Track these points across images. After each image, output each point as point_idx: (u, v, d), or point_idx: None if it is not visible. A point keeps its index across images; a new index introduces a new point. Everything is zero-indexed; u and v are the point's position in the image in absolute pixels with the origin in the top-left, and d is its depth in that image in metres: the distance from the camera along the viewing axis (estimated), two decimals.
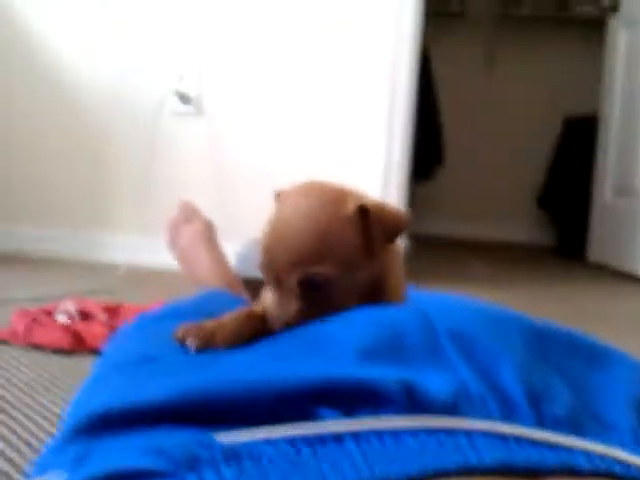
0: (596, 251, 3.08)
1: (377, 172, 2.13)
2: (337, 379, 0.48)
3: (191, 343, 0.61)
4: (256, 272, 1.76)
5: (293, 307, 0.64)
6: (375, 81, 2.13)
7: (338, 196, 0.66)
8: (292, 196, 0.67)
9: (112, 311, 1.35)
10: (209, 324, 0.64)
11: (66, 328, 1.20)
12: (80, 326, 1.22)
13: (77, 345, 1.16)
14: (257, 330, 0.65)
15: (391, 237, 0.68)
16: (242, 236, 1.95)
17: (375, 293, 0.68)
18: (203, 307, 0.83)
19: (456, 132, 3.62)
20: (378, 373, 0.49)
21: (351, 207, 0.64)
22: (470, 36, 3.93)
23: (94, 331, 1.19)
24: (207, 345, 0.61)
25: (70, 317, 1.26)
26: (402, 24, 2.12)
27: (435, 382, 0.49)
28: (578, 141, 3.53)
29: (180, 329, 0.63)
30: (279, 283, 0.65)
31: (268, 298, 0.67)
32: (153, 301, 1.43)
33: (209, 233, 1.39)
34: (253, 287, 1.51)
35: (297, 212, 0.65)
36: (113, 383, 0.58)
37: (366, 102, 2.14)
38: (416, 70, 2.18)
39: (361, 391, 0.47)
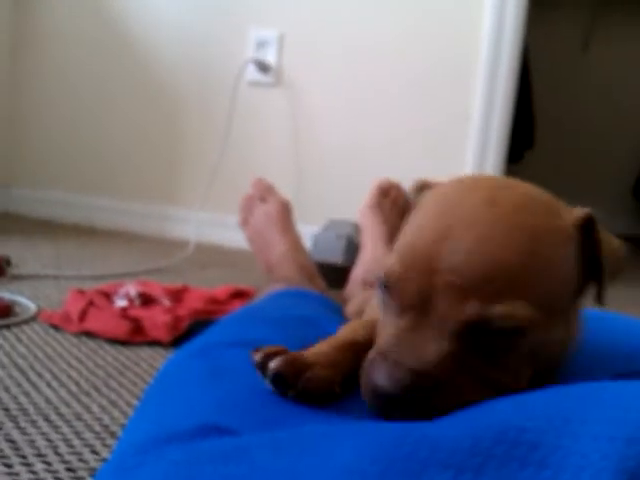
0: None
1: (471, 157, 1.93)
2: None
3: (274, 370, 0.44)
4: (333, 257, 1.62)
5: (435, 349, 0.39)
6: (473, 64, 1.91)
7: (547, 200, 0.44)
8: (474, 187, 0.44)
9: (176, 295, 1.23)
10: (303, 355, 0.46)
11: (124, 315, 1.08)
12: (140, 313, 1.10)
13: (134, 335, 1.04)
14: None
15: (616, 271, 0.45)
16: (321, 217, 1.81)
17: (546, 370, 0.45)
18: (290, 325, 0.65)
19: (549, 115, 3.36)
20: None
21: (569, 217, 0.43)
22: (568, 16, 3.60)
23: (154, 319, 1.06)
24: (300, 384, 0.44)
25: (130, 301, 1.15)
26: (504, 11, 1.87)
27: None
28: None
29: (261, 353, 0.46)
30: (424, 311, 0.41)
31: (384, 325, 0.44)
32: (219, 285, 1.38)
33: (284, 213, 1.25)
34: (328, 273, 1.38)
35: (494, 210, 0.41)
36: None
37: (462, 84, 1.93)
38: (518, 59, 1.92)
39: None
